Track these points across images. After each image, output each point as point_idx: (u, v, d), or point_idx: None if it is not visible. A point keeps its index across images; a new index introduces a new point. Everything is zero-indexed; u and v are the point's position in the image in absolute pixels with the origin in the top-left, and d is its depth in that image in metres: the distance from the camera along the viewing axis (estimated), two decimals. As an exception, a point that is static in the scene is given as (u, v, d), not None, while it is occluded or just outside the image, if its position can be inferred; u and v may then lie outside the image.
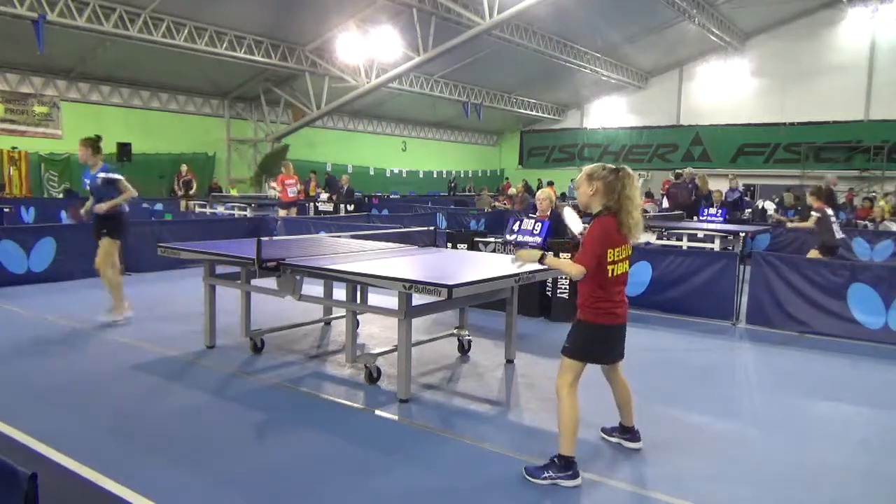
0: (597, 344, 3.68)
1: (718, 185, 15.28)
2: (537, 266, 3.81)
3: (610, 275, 3.56)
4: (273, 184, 16.36)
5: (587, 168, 3.68)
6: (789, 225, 11.08)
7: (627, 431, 4.04)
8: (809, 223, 9.17)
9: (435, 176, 31.18)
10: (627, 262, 3.70)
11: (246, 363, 5.66)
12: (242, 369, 5.49)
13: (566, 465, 3.52)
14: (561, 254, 7.42)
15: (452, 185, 29.44)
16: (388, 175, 28.81)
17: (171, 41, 16.95)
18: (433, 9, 17.60)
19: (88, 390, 4.91)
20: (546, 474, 3.53)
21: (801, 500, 3.51)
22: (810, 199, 9.33)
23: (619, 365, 3.93)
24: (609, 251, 3.54)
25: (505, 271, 4.90)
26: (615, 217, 3.55)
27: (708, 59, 26.77)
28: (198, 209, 16.61)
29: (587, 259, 3.49)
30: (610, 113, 30.47)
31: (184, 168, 19.25)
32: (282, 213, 14.10)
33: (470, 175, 32.73)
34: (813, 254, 8.87)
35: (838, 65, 24.08)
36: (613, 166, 3.64)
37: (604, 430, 4.17)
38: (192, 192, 18.41)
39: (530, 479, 3.56)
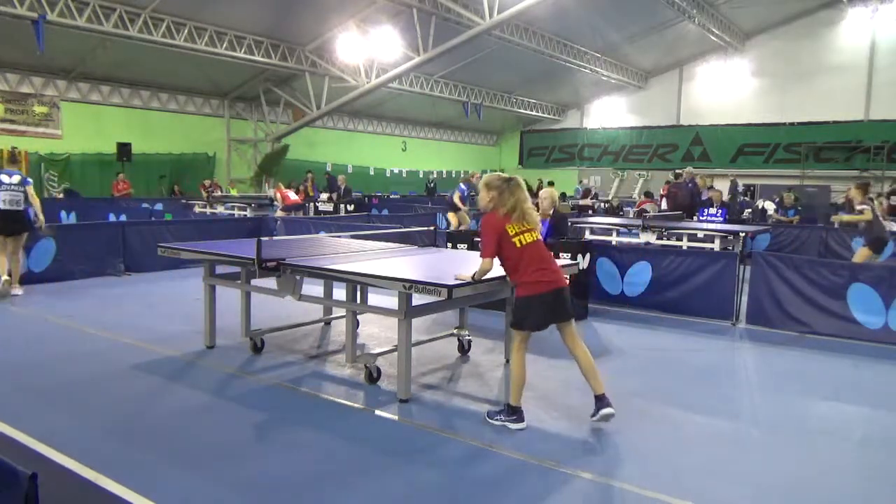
0: (531, 313, 4.23)
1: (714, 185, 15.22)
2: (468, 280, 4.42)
3: (518, 245, 4.19)
4: (274, 192, 16.71)
5: (484, 178, 4.44)
6: (845, 218, 9.82)
7: (599, 400, 4.22)
8: (864, 216, 8.45)
9: (435, 176, 31.17)
10: (533, 232, 4.30)
11: (246, 363, 5.66)
12: (242, 369, 5.49)
13: (512, 412, 4.27)
14: (561, 254, 7.43)
15: (431, 185, 27.72)
16: (388, 175, 28.80)
17: (171, 41, 16.93)
18: (433, 9, 17.59)
19: (88, 390, 4.91)
20: (498, 417, 4.31)
21: (801, 499, 3.51)
22: (854, 193, 8.73)
23: (574, 332, 4.31)
24: (507, 228, 4.19)
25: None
26: (496, 211, 4.26)
27: (708, 59, 26.77)
28: (198, 209, 16.60)
29: (487, 250, 4.23)
30: (610, 113, 30.46)
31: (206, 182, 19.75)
32: (280, 213, 14.21)
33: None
34: (863, 253, 8.44)
35: (838, 65, 24.07)
36: (507, 176, 4.42)
37: (592, 416, 4.28)
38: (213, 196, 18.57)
39: (488, 419, 4.33)
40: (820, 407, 4.97)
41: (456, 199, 12.98)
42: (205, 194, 18.52)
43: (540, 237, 4.37)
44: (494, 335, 6.50)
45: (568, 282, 4.43)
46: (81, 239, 9.69)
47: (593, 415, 4.27)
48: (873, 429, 4.57)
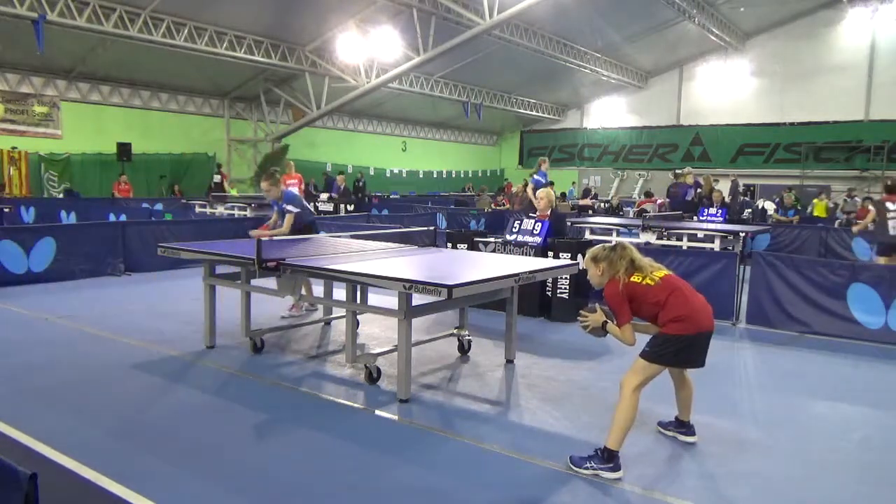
0: (678, 352, 3.78)
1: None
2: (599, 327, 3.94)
3: (652, 282, 3.76)
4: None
5: (589, 252, 3.97)
6: (855, 229, 10.32)
7: (684, 426, 4.19)
8: (869, 217, 8.66)
9: (435, 176, 31.18)
10: (662, 269, 3.88)
11: (246, 363, 5.66)
12: (242, 369, 5.49)
13: (609, 458, 3.62)
14: (561, 254, 7.43)
15: (360, 184, 20.91)
16: (388, 175, 28.81)
17: (171, 41, 16.95)
18: (433, 9, 17.60)
19: (88, 390, 4.91)
20: (588, 465, 3.65)
21: (802, 499, 3.51)
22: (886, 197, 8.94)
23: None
24: (632, 279, 3.76)
25: (505, 271, 4.90)
26: (618, 280, 3.78)
27: (708, 59, 26.78)
28: (198, 209, 16.59)
29: (623, 317, 3.75)
30: (610, 113, 30.48)
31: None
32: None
33: (470, 175, 32.74)
34: (879, 261, 8.50)
35: (838, 65, 24.09)
36: (611, 245, 3.95)
37: (660, 423, 4.30)
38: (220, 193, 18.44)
39: (574, 468, 3.67)
40: (819, 407, 4.96)
41: (529, 191, 12.24)
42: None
43: (668, 272, 3.91)
44: (494, 335, 6.49)
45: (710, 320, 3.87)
46: (81, 239, 9.69)
47: (665, 428, 4.24)
48: (873, 429, 4.57)
